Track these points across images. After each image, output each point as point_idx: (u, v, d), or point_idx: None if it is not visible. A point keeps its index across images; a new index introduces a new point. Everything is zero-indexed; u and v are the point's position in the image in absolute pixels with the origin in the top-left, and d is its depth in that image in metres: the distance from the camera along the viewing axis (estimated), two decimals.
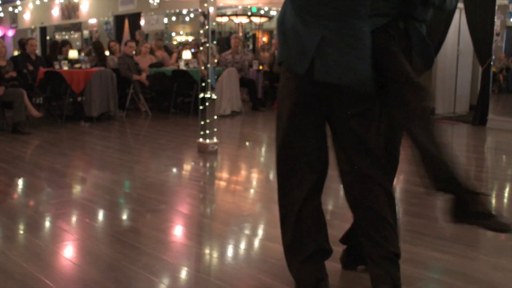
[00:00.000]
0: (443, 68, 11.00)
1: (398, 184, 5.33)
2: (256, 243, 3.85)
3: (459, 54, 11.25)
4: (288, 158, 2.81)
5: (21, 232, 4.03)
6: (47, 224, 4.20)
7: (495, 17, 9.75)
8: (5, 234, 3.98)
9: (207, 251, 3.68)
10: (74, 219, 4.38)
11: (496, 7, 9.80)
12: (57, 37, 22.13)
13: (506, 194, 5.44)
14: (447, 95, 11.23)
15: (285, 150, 2.82)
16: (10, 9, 21.55)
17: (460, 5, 10.12)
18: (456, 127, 9.92)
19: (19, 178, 5.81)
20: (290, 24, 2.62)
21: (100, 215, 4.51)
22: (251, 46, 16.21)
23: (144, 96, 11.10)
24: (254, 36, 16.89)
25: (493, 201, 5.20)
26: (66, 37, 22.71)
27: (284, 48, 2.69)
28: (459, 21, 10.77)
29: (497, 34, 10.54)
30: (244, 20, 15.29)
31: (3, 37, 21.72)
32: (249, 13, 15.39)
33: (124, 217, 4.46)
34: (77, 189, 5.46)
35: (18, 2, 20.18)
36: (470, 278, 3.21)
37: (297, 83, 2.68)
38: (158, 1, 16.48)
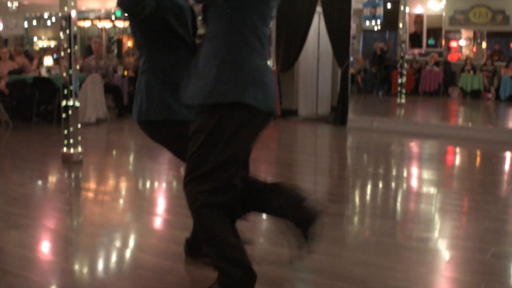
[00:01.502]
0: (304, 70, 11.40)
1: None
2: (127, 254, 3.82)
3: (320, 56, 11.71)
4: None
5: None
6: None
7: (351, 20, 10.26)
8: None
9: (75, 266, 3.60)
10: None
11: (352, 11, 10.32)
12: None
13: (368, 191, 5.75)
14: (309, 97, 11.65)
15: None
16: None
17: (319, 9, 10.56)
18: (318, 128, 10.32)
19: None
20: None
21: None
22: (116, 51, 15.92)
23: (3, 105, 10.57)
24: (119, 40, 16.59)
25: (356, 198, 5.49)
26: None
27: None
28: (318, 24, 11.22)
29: (354, 37, 11.05)
30: (107, 24, 15.00)
31: None
32: (113, 17, 15.11)
33: None
34: None
35: None
36: (335, 275, 3.38)
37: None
38: (17, 4, 15.78)
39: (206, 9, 2.78)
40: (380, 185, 6.02)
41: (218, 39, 2.70)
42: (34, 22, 20.20)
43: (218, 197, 2.75)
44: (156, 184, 6.07)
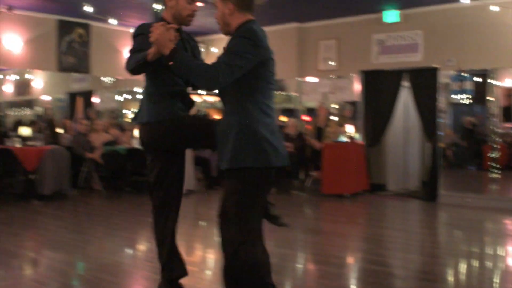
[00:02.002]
0: (393, 144, 11.28)
1: None
2: None
3: (408, 131, 11.58)
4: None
5: None
6: None
7: (439, 95, 10.14)
8: None
9: None
10: None
11: (440, 85, 10.22)
12: (10, 113, 21.83)
13: (462, 270, 5.51)
14: (398, 171, 11.46)
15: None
16: None
17: (406, 83, 10.53)
18: (408, 203, 10.08)
19: None
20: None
21: None
22: None
23: (97, 175, 10.98)
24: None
25: (450, 278, 5.26)
26: (19, 113, 22.43)
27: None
28: (406, 99, 11.15)
29: (442, 111, 10.89)
30: (196, 99, 15.47)
31: None
32: (202, 92, 15.57)
33: None
34: (28, 270, 5.31)
35: None
36: None
37: None
38: (112, 79, 16.58)
39: (221, 89, 3.45)
40: (475, 264, 5.76)
41: (232, 115, 3.37)
42: (128, 96, 21.09)
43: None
44: None
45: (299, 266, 5.78)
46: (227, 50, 3.32)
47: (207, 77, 3.22)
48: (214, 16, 3.55)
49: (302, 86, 13.48)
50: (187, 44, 4.09)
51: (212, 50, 14.78)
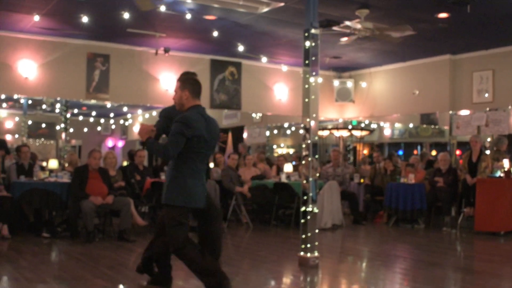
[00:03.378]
0: None
1: None
2: None
3: None
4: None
5: None
6: None
7: None
8: None
9: None
10: None
11: None
12: None
13: None
14: None
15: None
16: (121, 121, 22.89)
17: None
18: None
19: (123, 284, 5.91)
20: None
21: None
22: (351, 159, 16.21)
23: (245, 208, 11.22)
24: (354, 148, 16.92)
25: None
26: None
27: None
28: None
29: None
30: (345, 133, 15.40)
31: (114, 148, 22.93)
32: (350, 127, 15.50)
33: None
34: None
35: (128, 116, 21.40)
36: None
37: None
38: (261, 115, 16.99)
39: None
40: None
41: (172, 169, 5.08)
42: (275, 131, 21.51)
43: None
44: None
45: None
46: (171, 132, 4.93)
47: (164, 153, 4.99)
48: (172, 98, 5.24)
49: (454, 119, 13.01)
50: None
51: (362, 85, 14.71)
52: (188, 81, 5.14)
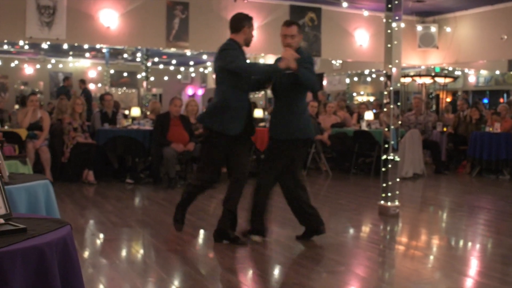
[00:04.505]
0: None
1: None
2: None
3: None
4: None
5: (203, 281, 4.15)
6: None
7: None
8: (189, 284, 4.14)
9: None
10: (249, 272, 4.45)
11: None
12: None
13: None
14: None
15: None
16: (201, 69, 23.11)
17: None
18: None
19: (205, 230, 6.03)
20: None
21: (276, 269, 4.55)
22: (434, 107, 15.77)
23: (325, 156, 11.18)
24: (437, 96, 16.42)
25: None
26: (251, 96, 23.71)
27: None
28: None
29: None
30: (427, 80, 14.96)
31: (193, 96, 23.23)
32: (433, 74, 15.04)
33: (299, 275, 4.42)
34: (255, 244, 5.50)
35: (208, 63, 21.56)
36: None
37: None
38: (341, 62, 16.74)
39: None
40: None
41: (290, 104, 5.23)
42: (355, 79, 21.20)
43: None
44: (469, 244, 5.74)
45: None
46: (309, 70, 5.02)
47: (314, 86, 5.25)
48: (289, 42, 5.14)
49: None
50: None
51: (447, 30, 14.16)
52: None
